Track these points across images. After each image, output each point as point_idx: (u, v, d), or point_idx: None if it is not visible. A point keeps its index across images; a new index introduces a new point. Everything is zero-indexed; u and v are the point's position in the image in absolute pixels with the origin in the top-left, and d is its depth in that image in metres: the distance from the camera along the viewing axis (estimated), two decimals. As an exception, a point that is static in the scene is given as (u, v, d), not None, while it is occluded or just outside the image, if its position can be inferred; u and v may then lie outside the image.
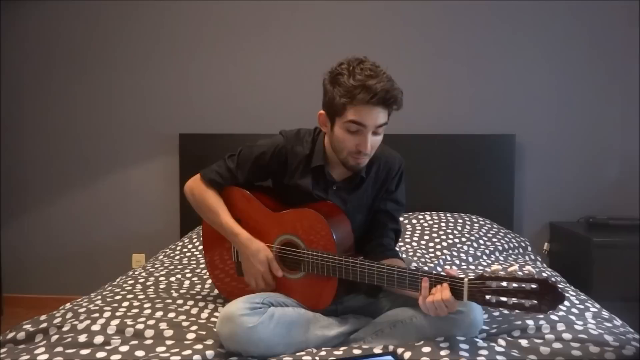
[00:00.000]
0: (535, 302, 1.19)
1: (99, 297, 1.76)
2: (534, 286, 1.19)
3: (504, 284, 1.22)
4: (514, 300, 1.21)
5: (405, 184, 1.66)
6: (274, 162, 1.60)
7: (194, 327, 1.49)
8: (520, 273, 1.23)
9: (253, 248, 1.54)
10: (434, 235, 2.50)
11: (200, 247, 2.40)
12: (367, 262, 1.40)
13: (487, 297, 1.24)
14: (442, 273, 1.32)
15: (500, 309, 1.27)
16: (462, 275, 1.29)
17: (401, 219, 1.82)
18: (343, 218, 1.54)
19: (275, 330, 1.36)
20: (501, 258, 2.39)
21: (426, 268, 2.11)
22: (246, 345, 1.33)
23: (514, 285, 1.21)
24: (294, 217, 1.54)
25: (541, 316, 1.50)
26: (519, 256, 2.45)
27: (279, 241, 1.56)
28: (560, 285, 1.20)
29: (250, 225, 1.58)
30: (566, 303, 1.66)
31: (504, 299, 1.23)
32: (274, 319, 1.37)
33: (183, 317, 1.57)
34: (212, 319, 1.58)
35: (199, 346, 1.36)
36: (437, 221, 2.65)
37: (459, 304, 1.31)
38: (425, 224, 2.61)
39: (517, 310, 1.21)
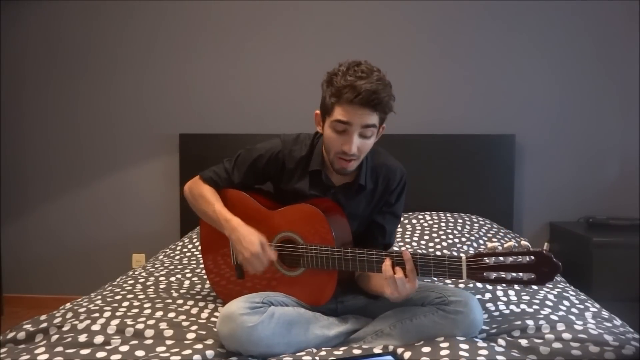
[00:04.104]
0: (533, 275, 1.24)
1: (99, 297, 1.76)
2: (530, 259, 1.24)
3: (501, 259, 1.26)
4: (512, 275, 1.25)
5: (405, 196, 1.65)
6: (271, 167, 1.61)
7: (194, 327, 1.49)
8: (517, 248, 1.26)
9: (245, 231, 1.51)
10: (434, 235, 2.50)
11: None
12: (366, 250, 1.42)
13: (486, 273, 1.27)
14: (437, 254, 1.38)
15: (499, 284, 1.30)
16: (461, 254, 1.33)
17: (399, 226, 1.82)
18: (340, 213, 1.55)
19: (276, 330, 1.36)
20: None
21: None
22: (246, 345, 1.33)
23: (511, 259, 1.25)
24: (291, 214, 1.55)
25: (541, 314, 1.51)
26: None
27: (277, 239, 1.56)
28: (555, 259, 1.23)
29: (249, 225, 1.58)
30: (566, 303, 1.66)
31: (502, 274, 1.27)
32: (274, 318, 1.37)
33: (183, 317, 1.57)
34: (212, 319, 1.58)
35: (199, 346, 1.36)
36: (437, 221, 2.65)
37: (458, 303, 1.35)
38: (425, 224, 2.61)
39: (516, 285, 1.24)
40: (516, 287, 1.82)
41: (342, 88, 1.39)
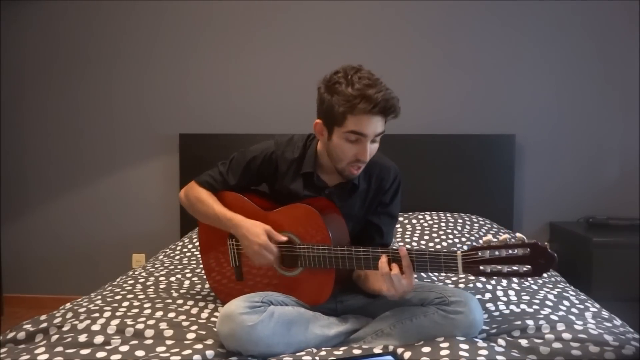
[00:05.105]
0: (529, 267, 1.24)
1: (99, 297, 1.76)
2: (525, 251, 1.23)
3: (497, 252, 1.26)
4: (508, 267, 1.25)
5: (400, 196, 1.65)
6: (265, 168, 1.61)
7: (194, 327, 1.49)
8: (512, 240, 1.26)
9: (249, 224, 1.52)
10: (434, 235, 2.50)
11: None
12: (363, 247, 1.42)
13: (482, 267, 1.27)
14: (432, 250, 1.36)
15: (496, 277, 1.30)
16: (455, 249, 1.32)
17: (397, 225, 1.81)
18: (336, 212, 1.55)
19: (275, 329, 1.36)
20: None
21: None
22: (246, 344, 1.33)
23: (507, 252, 1.25)
24: (287, 214, 1.55)
25: (541, 314, 1.51)
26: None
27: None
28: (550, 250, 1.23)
29: None
30: (566, 303, 1.66)
31: (498, 267, 1.26)
32: (273, 317, 1.37)
33: (183, 317, 1.57)
34: (212, 319, 1.58)
35: (199, 346, 1.36)
36: (437, 221, 2.65)
37: (458, 303, 1.35)
38: (425, 224, 2.61)
39: (512, 277, 1.24)
40: (516, 287, 1.82)
41: (353, 98, 1.37)
